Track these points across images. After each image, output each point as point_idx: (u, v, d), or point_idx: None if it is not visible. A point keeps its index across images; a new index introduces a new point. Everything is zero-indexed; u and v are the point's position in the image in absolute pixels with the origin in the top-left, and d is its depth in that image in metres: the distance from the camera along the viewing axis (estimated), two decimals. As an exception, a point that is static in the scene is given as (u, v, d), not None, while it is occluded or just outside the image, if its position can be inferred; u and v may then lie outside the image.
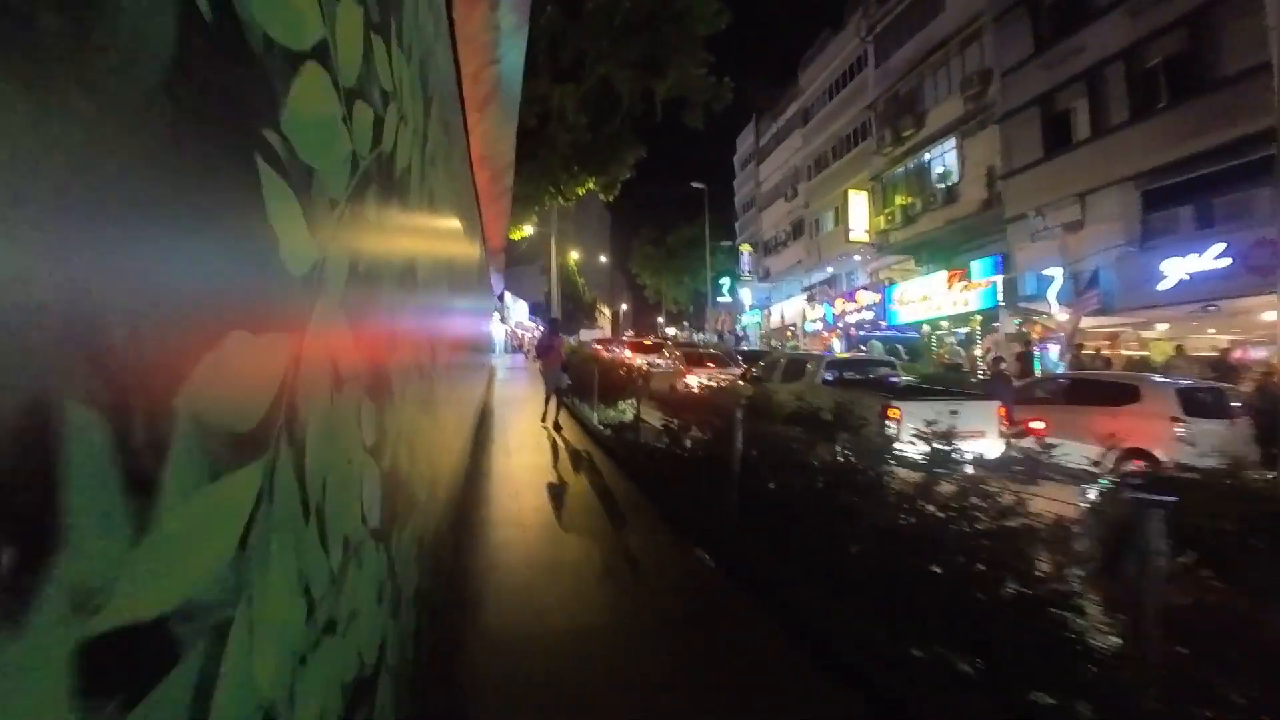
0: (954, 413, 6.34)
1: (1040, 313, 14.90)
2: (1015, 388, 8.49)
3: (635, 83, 12.70)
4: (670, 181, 77.76)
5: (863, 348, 19.66)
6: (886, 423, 5.76)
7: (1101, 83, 13.59)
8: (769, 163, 32.60)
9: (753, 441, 3.77)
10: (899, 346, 19.58)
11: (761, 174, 33.70)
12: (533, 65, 9.91)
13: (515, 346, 34.89)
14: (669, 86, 12.73)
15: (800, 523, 3.29)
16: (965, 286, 16.92)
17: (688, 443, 5.50)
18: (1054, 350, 14.27)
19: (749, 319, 35.29)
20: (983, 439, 6.33)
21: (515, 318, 40.59)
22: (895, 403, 5.86)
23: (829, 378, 7.48)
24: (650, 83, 12.71)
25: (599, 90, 12.65)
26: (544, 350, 9.12)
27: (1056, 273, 13.70)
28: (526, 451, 7.11)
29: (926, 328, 19.54)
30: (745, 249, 33.69)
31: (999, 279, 15.90)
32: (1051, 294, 13.63)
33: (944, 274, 17.99)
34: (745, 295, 36.27)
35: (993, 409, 6.54)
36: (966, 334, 18.42)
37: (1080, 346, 13.43)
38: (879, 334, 21.26)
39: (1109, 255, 12.87)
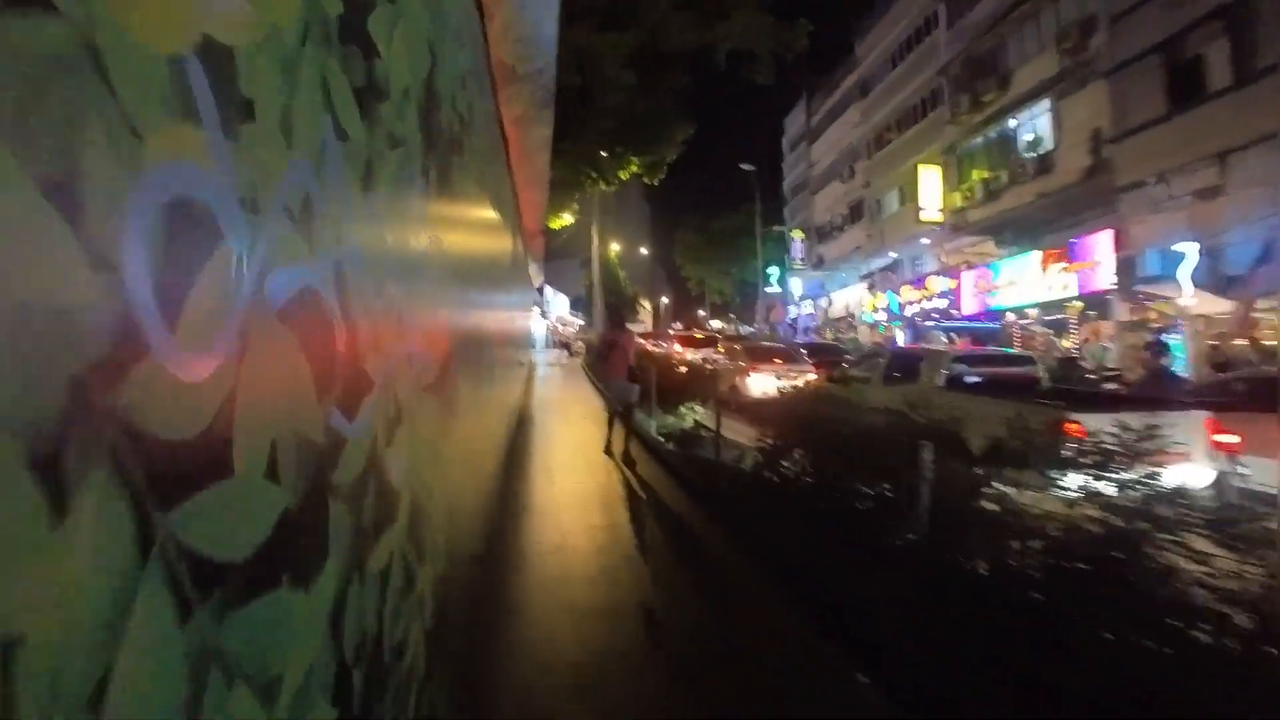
0: (1152, 427, 4.74)
1: (1161, 296, 12.76)
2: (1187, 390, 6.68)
3: (691, 33, 11.00)
4: (712, 171, 75.57)
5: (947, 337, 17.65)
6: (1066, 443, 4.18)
7: (1247, 19, 11.34)
8: (821, 142, 30.51)
9: (955, 495, 2.33)
10: (954, 336, 17.52)
11: (813, 155, 31.61)
12: (571, 12, 8.52)
13: (556, 342, 33.95)
14: (732, 35, 10.94)
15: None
16: (1064, 268, 14.79)
17: (790, 470, 4.07)
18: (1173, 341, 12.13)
19: (798, 309, 33.31)
20: (1187, 462, 4.67)
21: (556, 312, 39.76)
22: (1075, 414, 4.26)
23: (952, 378, 5.87)
24: (709, 34, 10.95)
25: (649, 45, 11.01)
26: (604, 352, 6.40)
27: (1189, 248, 11.55)
28: (573, 472, 5.79)
29: (1011, 315, 17.40)
30: (797, 235, 31.67)
31: (1105, 258, 13.76)
32: (1183, 274, 11.50)
33: (1035, 255, 15.87)
34: (795, 285, 34.25)
35: (1197, 421, 4.86)
36: (1043, 322, 16.25)
37: (1223, 337, 11.26)
38: (946, 325, 19.22)
39: (1261, 225, 10.70)
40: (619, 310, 7.73)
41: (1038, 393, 5.53)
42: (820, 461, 3.80)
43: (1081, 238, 14.55)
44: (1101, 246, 13.97)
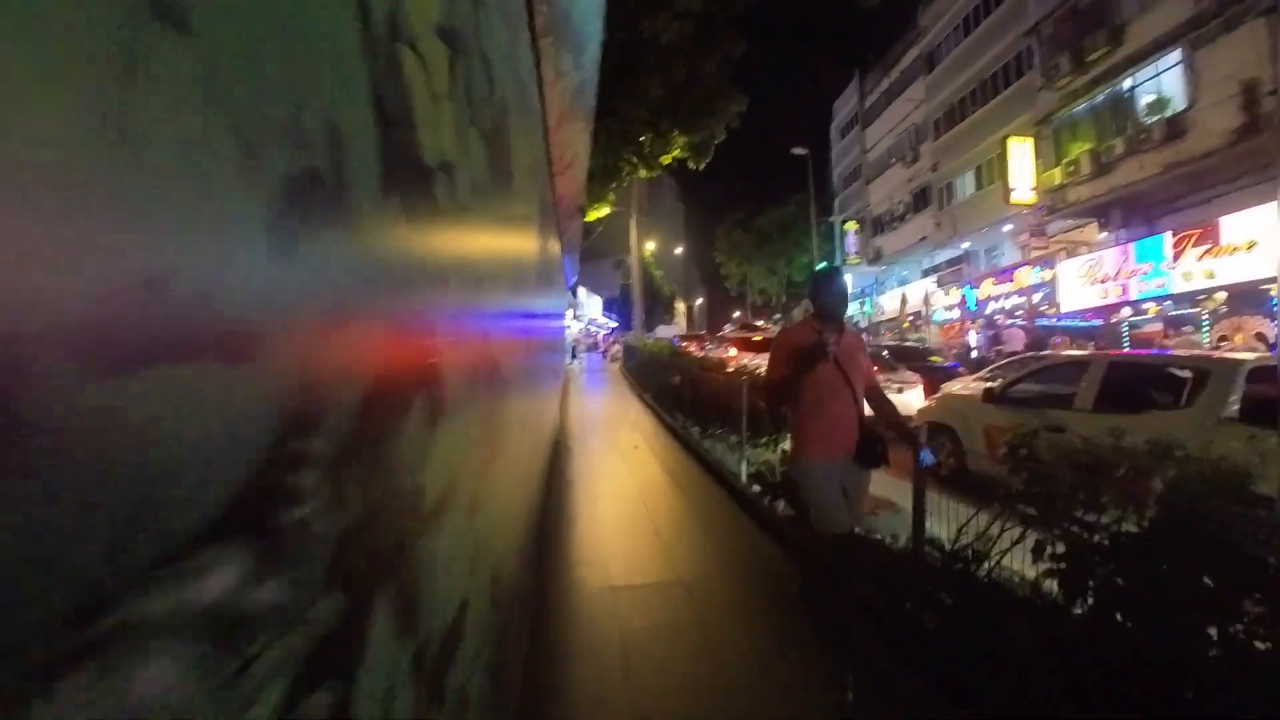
0: None
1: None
2: None
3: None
4: (752, 167, 72.97)
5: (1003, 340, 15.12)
6: None
7: None
8: (877, 125, 27.96)
9: None
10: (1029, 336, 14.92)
11: (868, 140, 29.06)
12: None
13: (591, 345, 32.22)
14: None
15: None
16: (1208, 251, 12.17)
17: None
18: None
19: (861, 306, 30.68)
20: None
21: (589, 314, 38.05)
22: None
23: (1251, 404, 3.65)
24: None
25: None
26: (791, 374, 2.54)
27: None
28: (638, 556, 3.81)
29: (1127, 310, 14.76)
30: (851, 227, 29.13)
31: (1267, 238, 11.12)
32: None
33: (1165, 238, 13.23)
34: (846, 282, 31.60)
35: None
36: (1166, 319, 13.58)
37: None
38: (1041, 323, 16.65)
39: None
40: (829, 281, 2.49)
41: None
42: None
43: (1230, 215, 11.91)
44: (1261, 224, 11.33)
